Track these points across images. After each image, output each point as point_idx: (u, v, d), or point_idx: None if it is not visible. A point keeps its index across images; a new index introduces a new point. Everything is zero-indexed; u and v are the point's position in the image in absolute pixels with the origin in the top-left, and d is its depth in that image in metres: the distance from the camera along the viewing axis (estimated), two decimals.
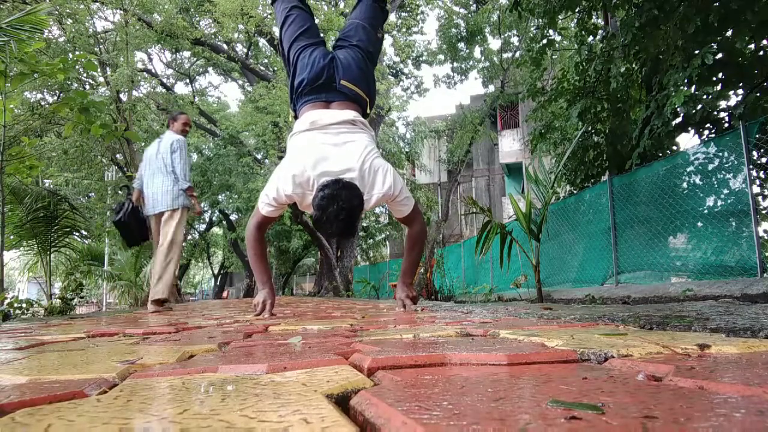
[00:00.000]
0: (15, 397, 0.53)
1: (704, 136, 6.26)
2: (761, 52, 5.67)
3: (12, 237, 7.28)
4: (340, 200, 2.06)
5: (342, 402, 0.53)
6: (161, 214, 4.37)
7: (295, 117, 2.60)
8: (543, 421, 0.39)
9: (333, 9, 13.16)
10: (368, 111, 2.64)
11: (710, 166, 5.30)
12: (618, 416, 0.41)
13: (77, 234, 8.87)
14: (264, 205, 2.39)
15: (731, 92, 5.83)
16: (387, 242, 24.23)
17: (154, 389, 0.58)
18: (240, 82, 20.40)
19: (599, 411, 0.42)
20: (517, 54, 15.87)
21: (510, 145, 20.81)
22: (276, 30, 12.89)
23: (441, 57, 18.92)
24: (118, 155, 10.50)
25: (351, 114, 2.43)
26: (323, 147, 2.28)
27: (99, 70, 9.75)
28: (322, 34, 2.90)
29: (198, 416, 0.44)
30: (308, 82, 2.49)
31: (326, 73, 2.48)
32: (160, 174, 4.38)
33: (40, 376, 0.68)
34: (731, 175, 5.04)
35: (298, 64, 2.55)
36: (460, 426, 0.39)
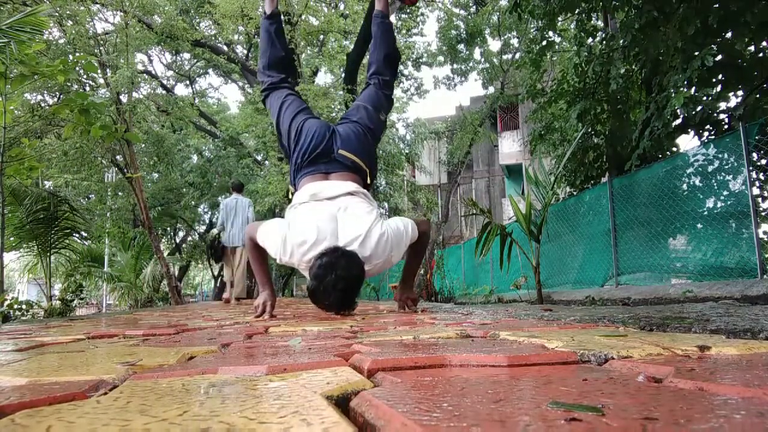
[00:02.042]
0: (15, 399, 0.53)
1: (704, 138, 6.26)
2: (761, 54, 5.68)
3: (12, 238, 7.28)
4: (339, 269, 1.98)
5: (342, 403, 0.53)
6: (236, 247, 7.07)
7: (294, 191, 2.58)
8: (543, 423, 0.39)
9: (333, 11, 13.18)
10: (369, 182, 2.62)
11: (710, 168, 5.31)
12: (618, 418, 0.41)
13: (77, 235, 8.87)
14: (262, 241, 2.34)
15: (731, 94, 5.84)
16: None
17: (154, 391, 0.58)
18: (240, 83, 20.42)
19: (599, 412, 0.42)
20: (517, 55, 15.89)
21: (510, 147, 20.84)
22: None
23: (441, 58, 18.95)
24: (118, 157, 10.49)
25: (351, 186, 2.41)
26: (324, 219, 2.22)
27: (99, 71, 9.74)
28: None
29: (198, 418, 0.44)
30: (308, 151, 2.50)
31: (325, 143, 2.50)
32: (239, 222, 7.01)
33: (40, 378, 0.68)
34: (731, 176, 5.04)
35: (301, 135, 2.57)
36: (460, 427, 0.39)
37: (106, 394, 0.59)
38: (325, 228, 2.16)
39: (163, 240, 22.46)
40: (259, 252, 2.46)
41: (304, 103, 2.80)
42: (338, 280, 1.97)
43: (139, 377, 0.69)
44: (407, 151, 19.47)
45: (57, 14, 9.11)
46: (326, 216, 2.23)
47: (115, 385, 0.65)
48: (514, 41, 17.00)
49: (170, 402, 0.51)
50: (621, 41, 6.26)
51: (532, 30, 12.38)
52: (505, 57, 17.28)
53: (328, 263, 1.99)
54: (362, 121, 2.68)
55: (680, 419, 0.40)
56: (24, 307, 5.65)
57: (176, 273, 19.25)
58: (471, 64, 18.74)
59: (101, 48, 10.23)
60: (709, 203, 5.34)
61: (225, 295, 7.72)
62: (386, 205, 19.91)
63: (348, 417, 0.47)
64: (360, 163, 2.53)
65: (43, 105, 9.40)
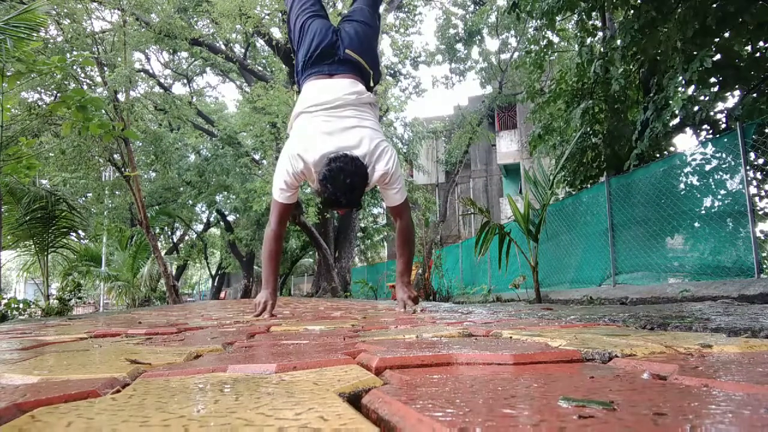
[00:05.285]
0: (30, 396, 0.53)
1: (702, 137, 6.29)
2: (758, 54, 5.71)
3: (9, 237, 7.26)
4: (347, 173, 2.15)
5: (354, 400, 0.54)
6: None
7: (299, 91, 2.67)
8: (556, 418, 0.40)
9: (331, 10, 13.17)
10: (372, 85, 2.66)
11: (707, 167, 5.33)
12: (629, 413, 0.42)
13: (75, 234, 8.84)
14: (279, 192, 2.43)
15: (728, 93, 5.87)
16: (385, 243, 24.24)
17: (167, 389, 0.59)
18: (238, 82, 20.39)
19: (610, 408, 0.43)
20: (515, 55, 15.91)
21: (508, 146, 20.86)
22: (273, 30, 12.88)
23: (439, 57, 18.97)
24: (115, 155, 10.45)
25: (356, 86, 2.49)
26: (329, 129, 2.34)
27: (97, 70, 9.71)
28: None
29: (216, 414, 0.45)
30: (314, 49, 2.54)
31: (329, 42, 2.54)
32: None
33: (51, 376, 0.68)
34: (728, 176, 5.07)
35: (307, 32, 2.61)
36: (476, 422, 0.39)
37: (119, 391, 0.59)
38: (326, 137, 2.31)
39: (160, 239, 22.44)
40: (277, 245, 2.54)
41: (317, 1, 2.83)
42: (346, 177, 2.16)
43: (149, 375, 0.70)
44: (405, 151, 19.49)
45: (54, 12, 9.07)
46: (327, 127, 2.34)
47: (127, 383, 0.65)
48: (512, 41, 17.03)
49: (185, 399, 0.52)
50: (619, 41, 6.28)
51: (530, 30, 12.39)
52: (503, 57, 17.31)
53: (337, 167, 2.17)
54: (366, 20, 2.74)
55: (689, 414, 0.41)
56: (21, 306, 5.64)
57: (173, 272, 19.20)
58: (469, 64, 18.76)
59: (99, 47, 10.19)
60: (707, 202, 5.36)
61: None
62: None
63: (360, 413, 0.48)
64: (364, 64, 2.59)
65: (40, 104, 9.36)
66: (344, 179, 2.14)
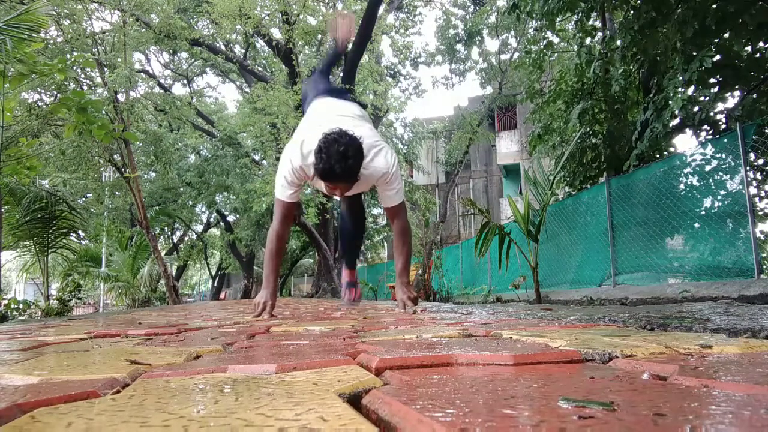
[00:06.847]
0: (31, 397, 0.54)
1: (702, 138, 6.29)
2: (757, 54, 5.71)
3: (9, 238, 7.25)
4: (342, 143, 2.19)
5: (354, 401, 0.54)
6: None
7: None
8: (557, 418, 0.40)
9: (331, 11, 13.17)
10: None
11: (707, 168, 5.33)
12: (629, 413, 0.42)
13: (74, 235, 8.84)
14: (281, 190, 2.49)
15: (728, 94, 5.87)
16: (384, 244, 24.24)
17: (167, 389, 0.59)
18: (238, 83, 20.39)
19: (610, 408, 0.43)
20: (515, 55, 15.93)
21: (507, 147, 20.87)
22: (273, 31, 12.88)
23: (439, 58, 18.99)
24: (115, 156, 10.44)
25: (360, 110, 2.77)
26: (328, 126, 2.41)
27: (97, 70, 9.72)
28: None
29: (216, 414, 0.45)
30: (325, 90, 2.91)
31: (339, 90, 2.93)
32: None
33: (51, 377, 0.68)
34: (728, 176, 5.07)
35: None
36: (476, 423, 0.39)
37: (119, 392, 0.59)
38: (325, 128, 2.38)
39: (160, 239, 22.45)
40: (280, 245, 2.58)
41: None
42: (340, 146, 2.18)
43: (149, 376, 0.70)
44: (405, 151, 19.49)
45: (54, 13, 9.07)
46: (327, 124, 2.42)
47: (127, 383, 0.65)
48: (512, 41, 17.06)
49: (185, 400, 0.52)
50: (619, 42, 6.29)
51: (530, 30, 12.40)
52: (503, 57, 17.33)
53: (332, 139, 2.21)
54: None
55: (689, 415, 0.41)
56: (21, 306, 5.64)
57: (173, 273, 19.21)
58: (469, 64, 18.79)
59: (99, 47, 10.19)
60: (707, 203, 5.36)
61: None
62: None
63: (360, 414, 0.48)
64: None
65: (40, 104, 9.36)
66: (338, 148, 2.18)
